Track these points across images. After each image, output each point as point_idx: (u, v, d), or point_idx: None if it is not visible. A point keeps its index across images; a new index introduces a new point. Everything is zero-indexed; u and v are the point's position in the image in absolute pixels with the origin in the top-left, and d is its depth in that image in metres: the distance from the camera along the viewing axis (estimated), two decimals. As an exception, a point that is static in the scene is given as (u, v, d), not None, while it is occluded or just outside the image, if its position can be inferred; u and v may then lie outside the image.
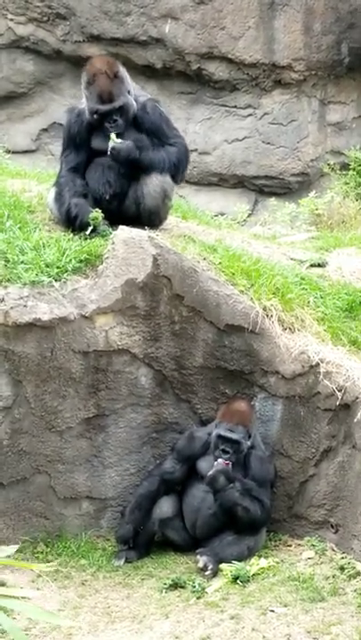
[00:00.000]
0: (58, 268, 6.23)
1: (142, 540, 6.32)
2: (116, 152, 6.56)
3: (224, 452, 6.17)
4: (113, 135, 6.57)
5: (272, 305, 6.50)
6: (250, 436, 6.23)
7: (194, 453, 6.32)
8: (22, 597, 3.60)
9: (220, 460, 6.14)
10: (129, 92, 6.70)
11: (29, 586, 5.86)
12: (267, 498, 6.19)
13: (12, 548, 3.62)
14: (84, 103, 6.79)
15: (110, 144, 6.56)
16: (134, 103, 6.72)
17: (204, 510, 6.23)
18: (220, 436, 6.19)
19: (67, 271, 6.25)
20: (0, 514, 6.23)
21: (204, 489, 6.23)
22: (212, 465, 6.16)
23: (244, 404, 6.34)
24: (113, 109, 6.60)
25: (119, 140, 6.56)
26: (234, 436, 6.17)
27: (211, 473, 6.12)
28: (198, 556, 6.11)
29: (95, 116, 6.61)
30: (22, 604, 3.39)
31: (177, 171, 6.76)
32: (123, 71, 6.76)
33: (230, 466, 6.14)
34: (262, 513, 6.14)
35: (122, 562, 6.24)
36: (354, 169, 13.21)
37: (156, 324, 6.41)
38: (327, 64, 14.69)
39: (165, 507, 6.33)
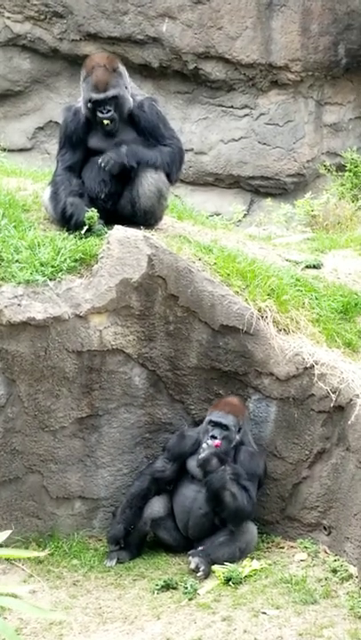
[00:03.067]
0: (52, 267, 6.22)
1: (134, 541, 6.32)
2: (105, 163, 6.57)
3: (213, 437, 6.17)
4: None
5: (267, 306, 6.49)
6: (240, 429, 6.23)
7: (184, 452, 6.32)
8: (14, 595, 3.58)
9: (209, 442, 6.13)
10: (126, 88, 6.70)
11: (21, 586, 5.84)
12: (254, 491, 6.19)
13: (5, 534, 3.60)
14: (80, 101, 6.78)
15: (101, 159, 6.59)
16: (130, 99, 6.71)
17: (195, 510, 6.23)
18: (210, 422, 6.21)
19: (61, 270, 6.24)
20: (-8, 513, 6.22)
21: (195, 489, 6.23)
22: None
23: (237, 399, 6.37)
24: (106, 98, 6.60)
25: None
26: (224, 420, 6.18)
27: (203, 455, 6.11)
28: (190, 558, 6.11)
29: (89, 105, 6.62)
30: (14, 600, 3.37)
31: (170, 171, 6.74)
32: (122, 68, 6.77)
33: (222, 446, 6.13)
34: (248, 504, 6.12)
35: (113, 562, 6.23)
36: (350, 170, 13.21)
37: (151, 325, 6.39)
38: (324, 65, 14.70)
39: (157, 507, 6.32)
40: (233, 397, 6.41)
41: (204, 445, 6.16)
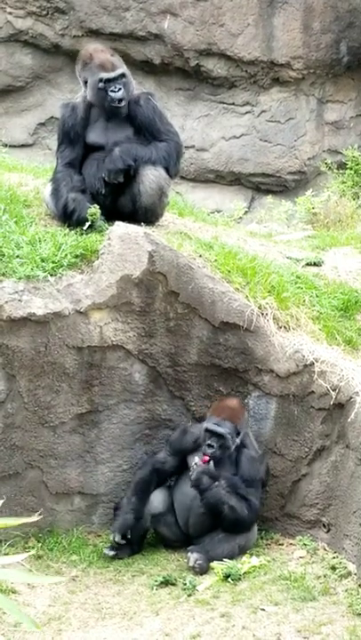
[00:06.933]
0: (53, 262, 6.22)
1: (135, 537, 6.31)
2: (108, 178, 6.58)
3: (210, 446, 6.17)
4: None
5: (267, 303, 6.49)
6: (238, 433, 6.22)
7: (185, 448, 6.32)
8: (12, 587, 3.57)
9: (197, 460, 6.13)
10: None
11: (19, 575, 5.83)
12: (255, 498, 6.17)
13: None
14: (79, 97, 6.78)
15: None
16: (133, 85, 6.73)
17: (195, 509, 6.21)
18: (206, 430, 6.20)
19: (62, 266, 6.24)
20: (-9, 508, 6.22)
21: None
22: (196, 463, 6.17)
23: (236, 402, 6.34)
24: (117, 75, 6.63)
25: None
26: (220, 429, 6.16)
27: (194, 476, 6.10)
28: (189, 554, 6.10)
29: (100, 85, 6.61)
30: (6, 600, 3.35)
31: (167, 165, 6.71)
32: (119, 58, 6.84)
33: (211, 463, 6.12)
34: (249, 512, 6.12)
35: (113, 552, 6.20)
36: (351, 168, 13.20)
37: (151, 321, 6.39)
38: (326, 63, 14.67)
39: (156, 502, 6.31)
40: (231, 399, 6.38)
41: (193, 465, 6.15)
